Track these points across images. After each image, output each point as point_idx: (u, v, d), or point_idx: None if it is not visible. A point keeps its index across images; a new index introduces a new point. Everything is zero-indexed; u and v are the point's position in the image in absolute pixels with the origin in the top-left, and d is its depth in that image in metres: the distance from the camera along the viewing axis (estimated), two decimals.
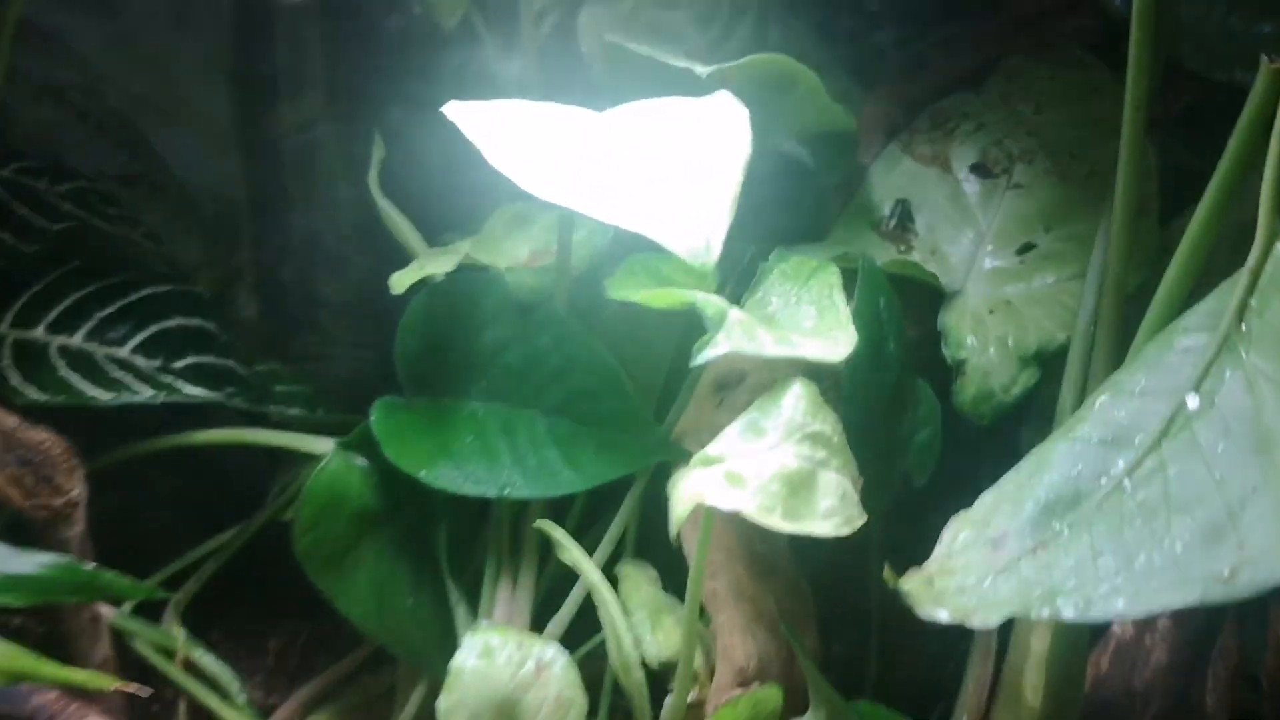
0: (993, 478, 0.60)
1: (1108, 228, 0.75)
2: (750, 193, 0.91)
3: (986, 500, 0.55)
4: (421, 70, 1.04)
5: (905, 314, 0.81)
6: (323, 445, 0.86)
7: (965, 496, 0.60)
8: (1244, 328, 0.52)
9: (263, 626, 0.98)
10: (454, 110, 0.64)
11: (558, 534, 0.72)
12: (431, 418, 0.80)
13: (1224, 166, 0.62)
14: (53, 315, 0.90)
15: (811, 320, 0.67)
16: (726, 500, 0.56)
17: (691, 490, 0.56)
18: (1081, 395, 0.72)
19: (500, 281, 0.79)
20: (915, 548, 0.59)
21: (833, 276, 0.69)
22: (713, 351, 0.60)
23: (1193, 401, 0.51)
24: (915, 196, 0.89)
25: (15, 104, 1.01)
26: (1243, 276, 0.53)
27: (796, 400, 0.60)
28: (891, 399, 0.78)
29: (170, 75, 1.09)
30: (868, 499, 0.76)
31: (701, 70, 0.74)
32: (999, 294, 0.83)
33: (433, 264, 0.78)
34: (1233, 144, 0.62)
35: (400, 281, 0.77)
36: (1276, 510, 0.46)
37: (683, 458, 0.69)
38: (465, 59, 0.98)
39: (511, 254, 0.83)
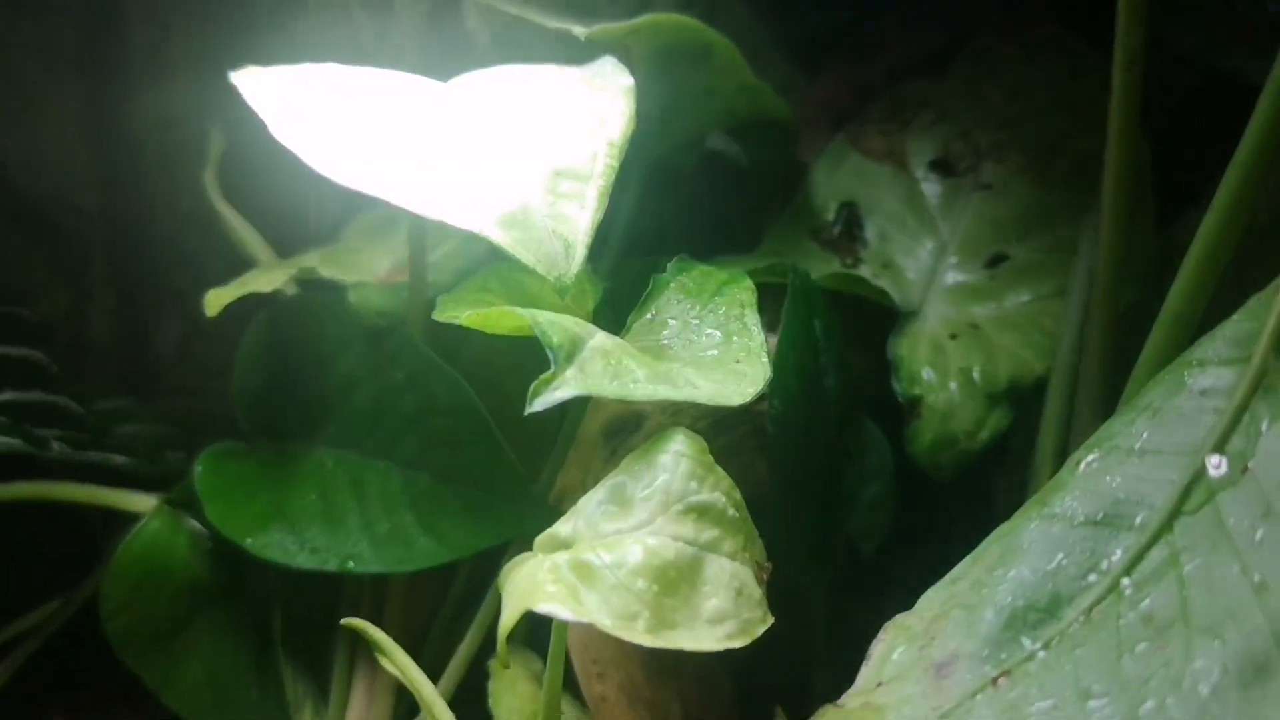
0: (963, 540, 0.51)
1: (1094, 235, 0.65)
2: (666, 193, 0.79)
3: (931, 601, 0.40)
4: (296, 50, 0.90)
5: (850, 340, 0.68)
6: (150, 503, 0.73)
7: (928, 564, 0.53)
8: None
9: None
10: (244, 78, 0.49)
11: (375, 634, 0.56)
12: (271, 469, 0.69)
13: (1241, 159, 0.47)
14: None
15: (716, 348, 0.52)
16: (569, 607, 0.40)
17: (521, 592, 0.41)
18: (1064, 446, 0.57)
19: (344, 303, 0.64)
20: (870, 627, 0.50)
21: (745, 293, 0.54)
22: (556, 393, 0.45)
23: (1216, 465, 0.36)
24: (864, 199, 0.77)
25: None
26: None
27: (677, 459, 0.45)
28: (831, 446, 0.65)
29: (7, 65, 0.94)
30: (804, 573, 0.63)
31: (580, 31, 0.59)
32: (963, 315, 0.70)
33: (257, 280, 0.64)
34: (1251, 134, 0.47)
35: (214, 302, 0.62)
36: None
37: None
38: (338, 35, 0.84)
39: (369, 267, 0.70)
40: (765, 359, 0.52)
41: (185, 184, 1.00)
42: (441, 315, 0.51)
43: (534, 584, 0.42)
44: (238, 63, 0.90)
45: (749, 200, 0.81)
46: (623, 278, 0.65)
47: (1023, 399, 0.66)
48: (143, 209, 0.99)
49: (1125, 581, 0.37)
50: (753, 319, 0.54)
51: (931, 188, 0.76)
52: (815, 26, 0.90)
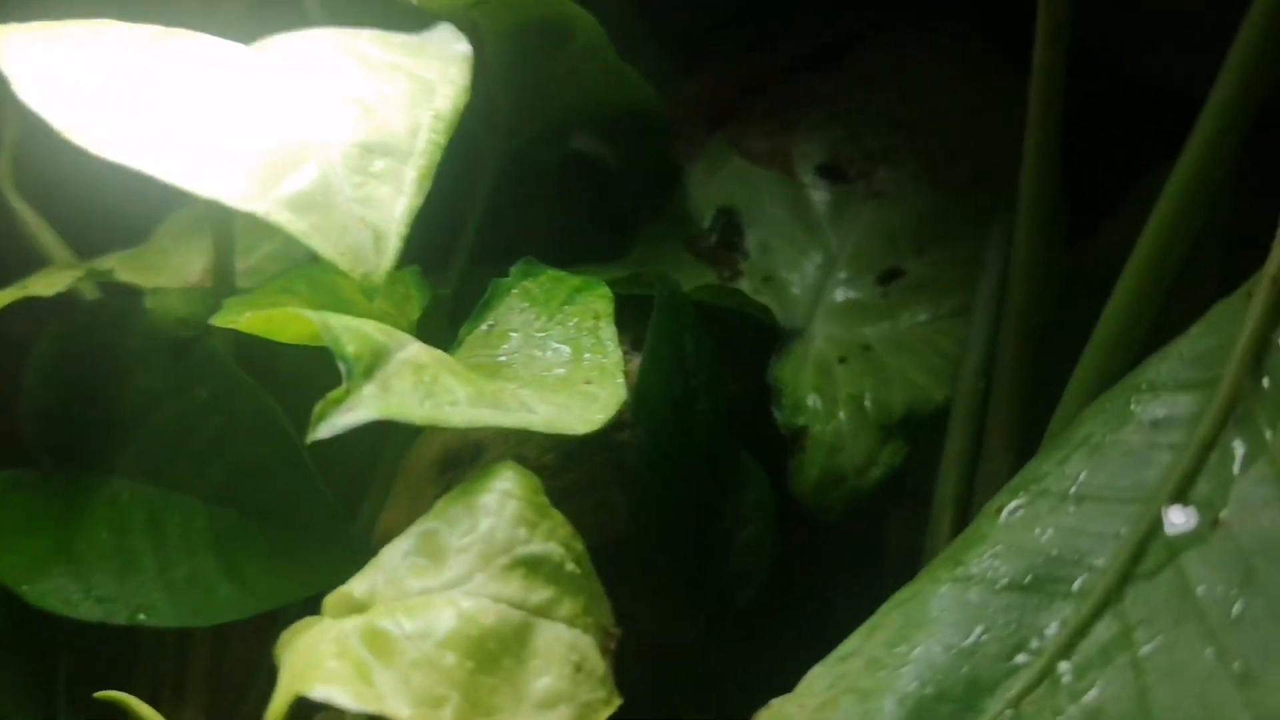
0: (851, 590, 0.47)
1: (1001, 248, 0.60)
2: (525, 193, 0.72)
3: (817, 682, 0.32)
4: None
5: (726, 362, 0.61)
6: None
7: (811, 616, 0.50)
8: (1265, 381, 0.29)
9: None
10: None
11: (133, 703, 0.47)
12: (60, 502, 0.61)
13: (1188, 163, 0.40)
14: None
15: (564, 366, 0.43)
16: (353, 690, 0.31)
17: (297, 671, 0.32)
18: (969, 485, 0.49)
19: (142, 311, 0.55)
20: (744, 692, 0.43)
21: (600, 301, 0.46)
22: (348, 416, 0.36)
23: (1179, 518, 0.29)
24: (745, 205, 0.69)
25: None
26: (1258, 294, 0.31)
27: (504, 501, 0.36)
28: (703, 481, 0.57)
29: None
30: (668, 627, 0.55)
31: None
32: (854, 336, 0.63)
33: (38, 284, 0.54)
34: (1204, 125, 0.40)
35: None
36: None
37: None
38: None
39: (179, 270, 0.62)
40: (621, 379, 0.44)
41: None
42: (220, 320, 0.42)
43: (313, 659, 0.33)
44: None
45: (618, 205, 0.74)
46: (471, 286, 0.57)
47: (920, 430, 0.59)
48: None
49: (1063, 665, 0.29)
50: (608, 332, 0.46)
51: (819, 195, 0.69)
52: (695, 15, 0.83)
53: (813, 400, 0.59)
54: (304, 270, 0.47)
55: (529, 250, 0.61)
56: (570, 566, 0.37)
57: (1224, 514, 0.28)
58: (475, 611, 0.34)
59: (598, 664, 0.36)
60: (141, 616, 0.55)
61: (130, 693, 0.61)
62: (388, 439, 0.53)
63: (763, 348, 0.63)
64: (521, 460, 0.53)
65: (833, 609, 0.57)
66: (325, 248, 0.38)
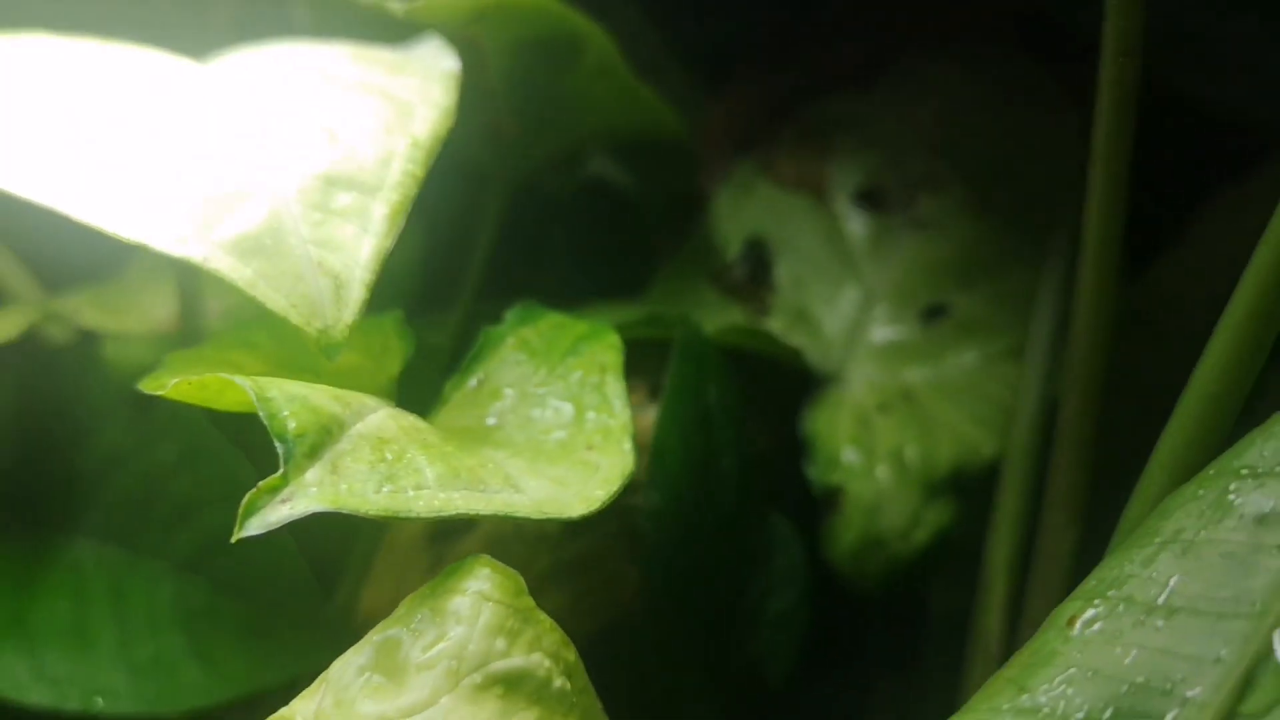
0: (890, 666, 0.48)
1: (1058, 281, 0.56)
2: (538, 227, 0.67)
3: None
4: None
5: (754, 412, 0.56)
6: None
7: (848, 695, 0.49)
8: None
9: None
10: None
11: None
12: (17, 567, 0.55)
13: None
14: None
15: (565, 429, 0.38)
16: None
17: None
18: (1024, 553, 0.43)
19: (101, 360, 0.50)
20: None
21: (608, 352, 0.41)
22: (279, 511, 0.30)
23: None
24: (775, 235, 0.65)
25: None
26: None
27: (478, 605, 0.31)
28: (727, 548, 0.53)
29: None
30: (690, 711, 0.50)
31: (398, 6, 0.45)
32: (894, 381, 0.60)
33: None
34: None
35: None
36: None
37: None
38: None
39: (148, 313, 0.57)
40: (629, 445, 0.38)
41: None
42: (148, 385, 0.36)
43: None
44: None
45: (640, 236, 0.69)
46: (478, 328, 0.52)
47: (968, 489, 0.55)
48: None
49: None
50: (616, 388, 0.40)
51: (856, 224, 0.65)
52: (721, 35, 0.78)
53: (849, 455, 0.54)
54: (269, 322, 0.42)
55: (541, 286, 0.57)
56: (559, 682, 0.31)
57: None
58: None
59: None
60: (99, 701, 0.51)
61: None
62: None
63: (794, 394, 0.59)
64: (521, 532, 0.48)
65: (871, 689, 0.52)
66: (274, 299, 0.33)
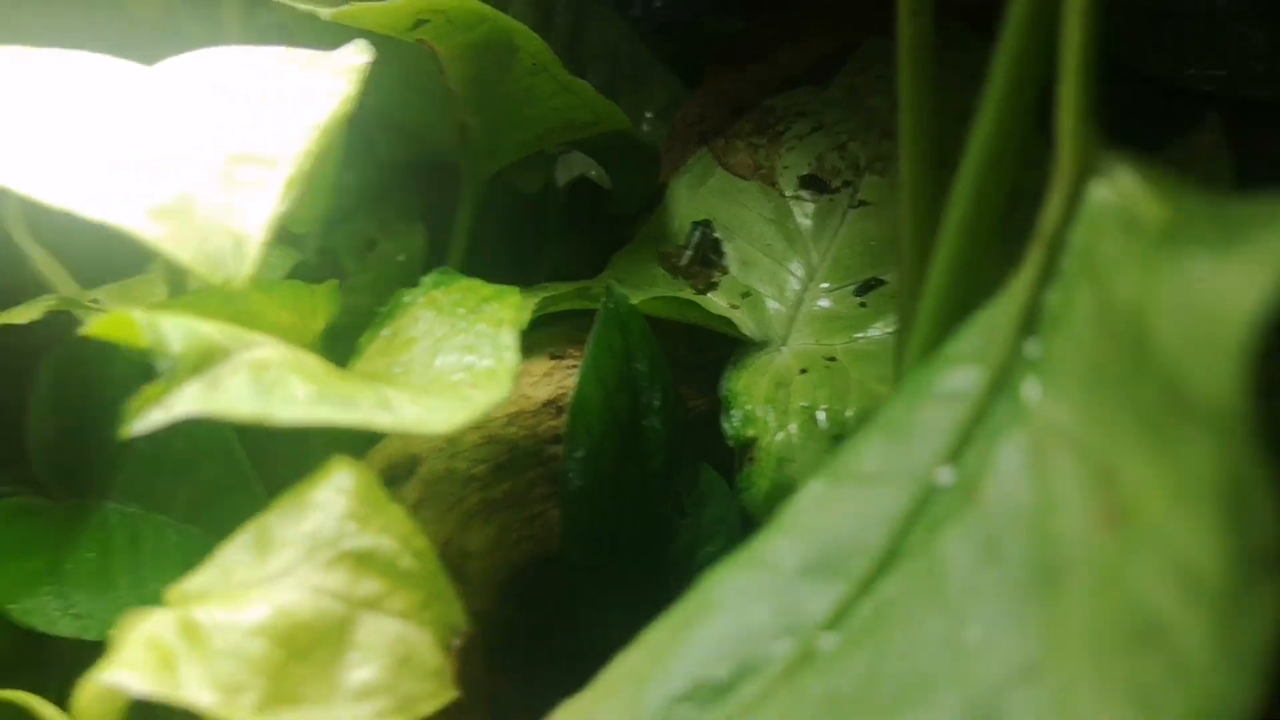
0: None
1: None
2: (511, 219, 0.72)
3: (610, 673, 0.30)
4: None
5: (698, 377, 0.61)
6: None
7: None
8: (1030, 350, 0.28)
9: None
10: None
11: (34, 702, 0.47)
12: (58, 526, 0.63)
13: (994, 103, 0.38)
14: None
15: (462, 372, 0.43)
16: (151, 677, 0.31)
17: (109, 666, 0.32)
18: None
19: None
20: None
21: (509, 310, 0.46)
22: (160, 413, 0.36)
23: (946, 478, 0.27)
24: (727, 219, 0.68)
25: None
26: (1031, 255, 0.29)
27: (335, 496, 0.36)
28: (654, 494, 0.55)
29: None
30: (622, 643, 0.53)
31: (325, 12, 0.51)
32: (822, 348, 0.61)
33: (18, 313, 0.56)
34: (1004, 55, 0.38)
35: None
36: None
37: None
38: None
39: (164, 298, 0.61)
40: (508, 384, 0.43)
41: None
42: (83, 330, 0.42)
43: (122, 647, 0.33)
44: None
45: (611, 227, 0.73)
46: None
47: None
48: None
49: (823, 642, 0.27)
50: (508, 339, 0.45)
51: (803, 206, 0.67)
52: (708, 40, 0.82)
53: (763, 411, 0.57)
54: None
55: (513, 275, 0.61)
56: (407, 561, 0.37)
57: (980, 486, 0.27)
58: (290, 603, 0.34)
59: (431, 658, 0.36)
60: (113, 633, 0.56)
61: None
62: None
63: None
64: (453, 472, 0.53)
65: None
66: (182, 253, 0.39)
